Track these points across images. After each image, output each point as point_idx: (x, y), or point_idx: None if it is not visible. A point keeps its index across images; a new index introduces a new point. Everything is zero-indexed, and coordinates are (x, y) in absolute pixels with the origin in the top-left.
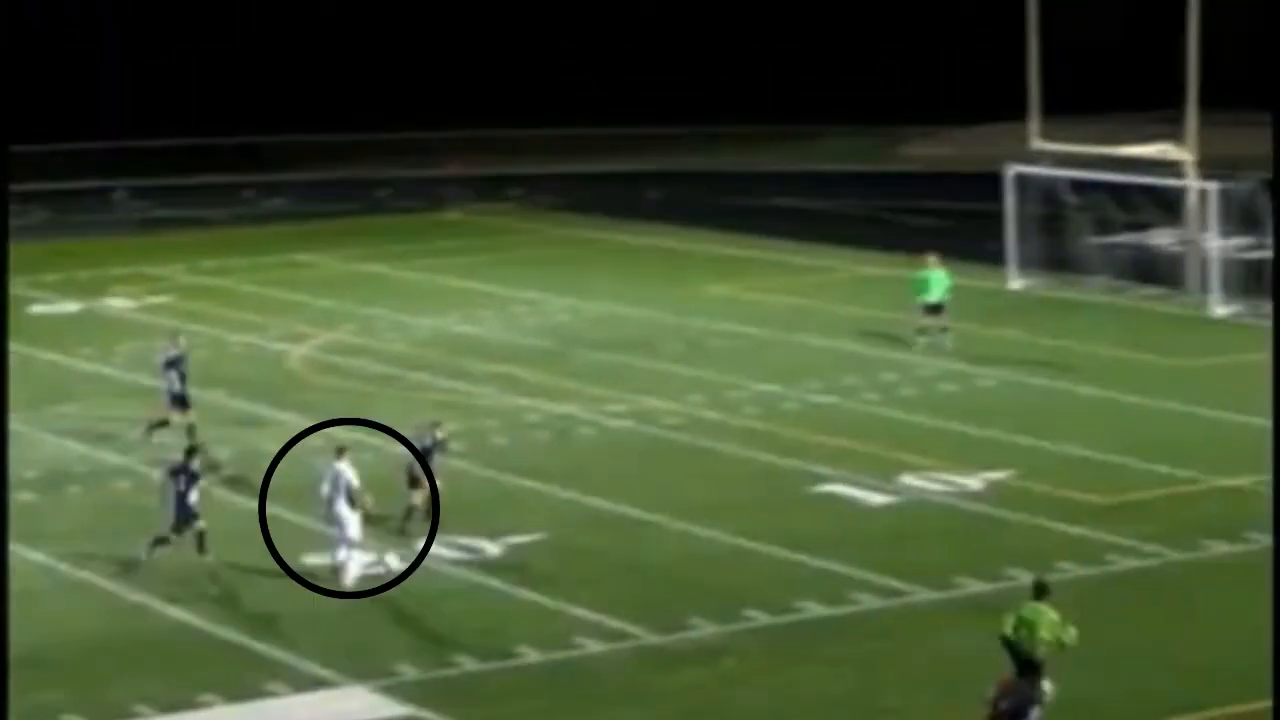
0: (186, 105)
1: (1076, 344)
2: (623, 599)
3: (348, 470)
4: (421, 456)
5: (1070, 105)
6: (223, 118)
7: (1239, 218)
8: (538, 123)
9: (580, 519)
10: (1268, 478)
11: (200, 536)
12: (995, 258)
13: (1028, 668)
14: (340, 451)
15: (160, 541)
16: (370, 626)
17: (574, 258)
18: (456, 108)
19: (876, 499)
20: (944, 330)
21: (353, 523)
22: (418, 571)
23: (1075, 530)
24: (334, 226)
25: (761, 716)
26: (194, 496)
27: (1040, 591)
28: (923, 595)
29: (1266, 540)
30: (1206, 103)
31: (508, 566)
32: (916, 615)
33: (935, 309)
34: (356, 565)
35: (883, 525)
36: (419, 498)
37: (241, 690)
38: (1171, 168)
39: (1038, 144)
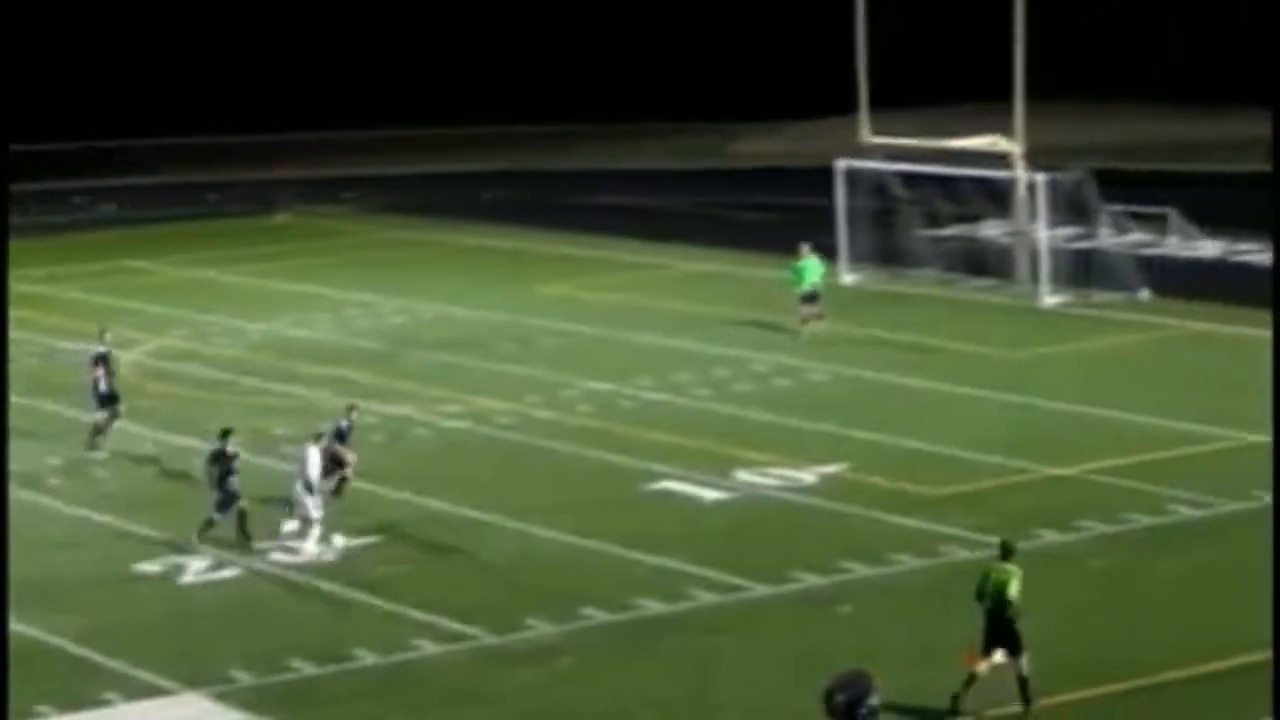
0: (14, 111)
1: (908, 337)
2: (460, 600)
3: (314, 455)
4: (342, 437)
5: (900, 99)
6: (50, 123)
7: (1067, 208)
8: (369, 124)
9: (416, 520)
10: (1100, 464)
11: (241, 516)
12: (827, 252)
13: (1001, 626)
14: (317, 437)
15: (208, 524)
16: (204, 633)
17: (407, 259)
18: (288, 110)
19: (711, 495)
20: (819, 318)
21: (311, 504)
22: (252, 576)
23: (909, 522)
24: (165, 231)
25: (600, 715)
26: (234, 478)
27: (1007, 552)
28: (759, 590)
29: (1099, 528)
30: (1034, 94)
31: (343, 569)
32: (753, 610)
33: (811, 297)
34: (312, 543)
35: (718, 521)
36: (349, 472)
37: (76, 700)
38: (1000, 159)
39: (867, 138)
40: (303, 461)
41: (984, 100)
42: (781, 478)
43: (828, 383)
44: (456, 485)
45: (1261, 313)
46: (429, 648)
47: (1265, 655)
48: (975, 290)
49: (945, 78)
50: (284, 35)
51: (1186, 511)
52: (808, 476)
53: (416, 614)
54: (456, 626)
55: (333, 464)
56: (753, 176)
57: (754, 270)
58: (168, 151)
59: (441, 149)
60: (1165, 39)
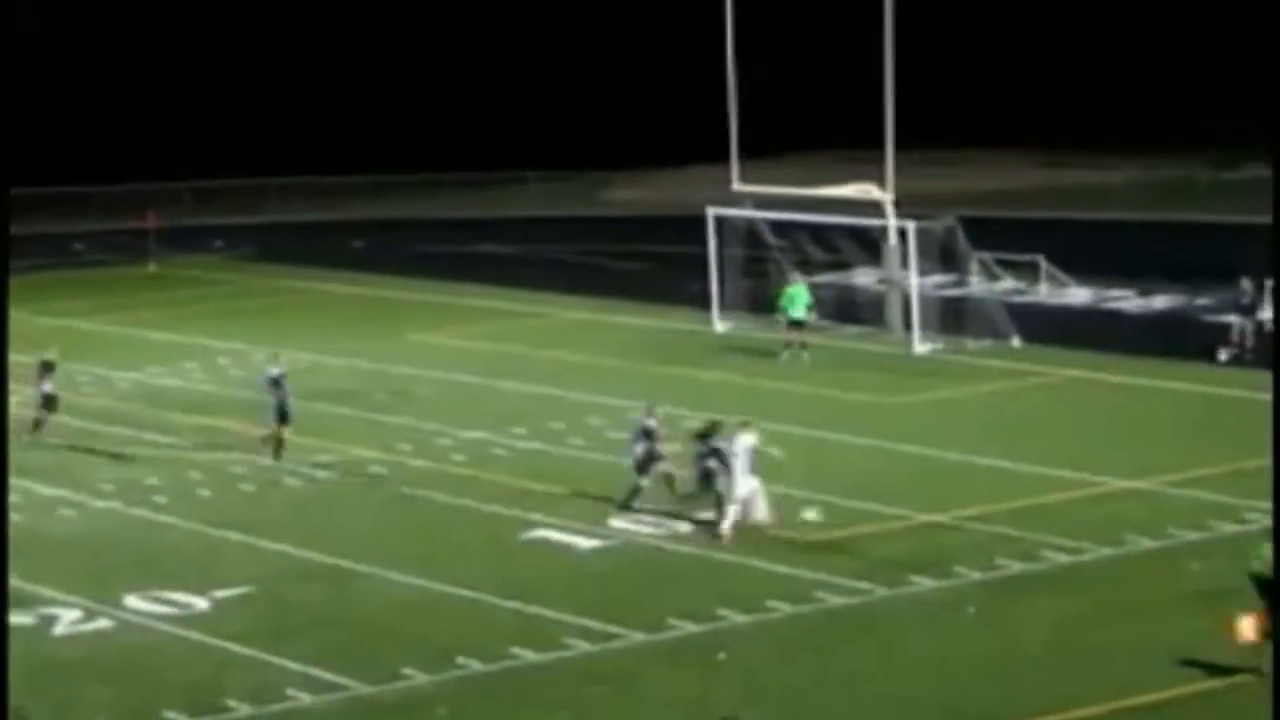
0: None
1: (781, 384)
2: (334, 650)
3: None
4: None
5: (772, 146)
6: None
7: (937, 256)
8: (239, 173)
9: (290, 571)
10: (973, 510)
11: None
12: (700, 300)
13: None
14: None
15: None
16: (77, 683)
17: (279, 307)
18: (155, 160)
19: (587, 544)
20: (804, 347)
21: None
22: (123, 627)
23: (785, 569)
24: (31, 281)
25: None
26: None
27: None
28: (635, 638)
29: (973, 575)
30: (903, 142)
31: (217, 620)
32: (630, 659)
33: (798, 324)
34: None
35: (594, 569)
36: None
37: None
38: (871, 207)
39: (739, 186)
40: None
41: (855, 148)
42: (657, 525)
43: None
44: (330, 535)
45: (1131, 360)
46: (303, 698)
47: (1138, 701)
48: (847, 338)
49: (816, 126)
50: (151, 85)
51: (1059, 558)
52: (683, 524)
53: (291, 664)
54: (331, 677)
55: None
56: (626, 224)
57: (627, 318)
58: (34, 201)
59: (313, 197)
60: (1032, 87)
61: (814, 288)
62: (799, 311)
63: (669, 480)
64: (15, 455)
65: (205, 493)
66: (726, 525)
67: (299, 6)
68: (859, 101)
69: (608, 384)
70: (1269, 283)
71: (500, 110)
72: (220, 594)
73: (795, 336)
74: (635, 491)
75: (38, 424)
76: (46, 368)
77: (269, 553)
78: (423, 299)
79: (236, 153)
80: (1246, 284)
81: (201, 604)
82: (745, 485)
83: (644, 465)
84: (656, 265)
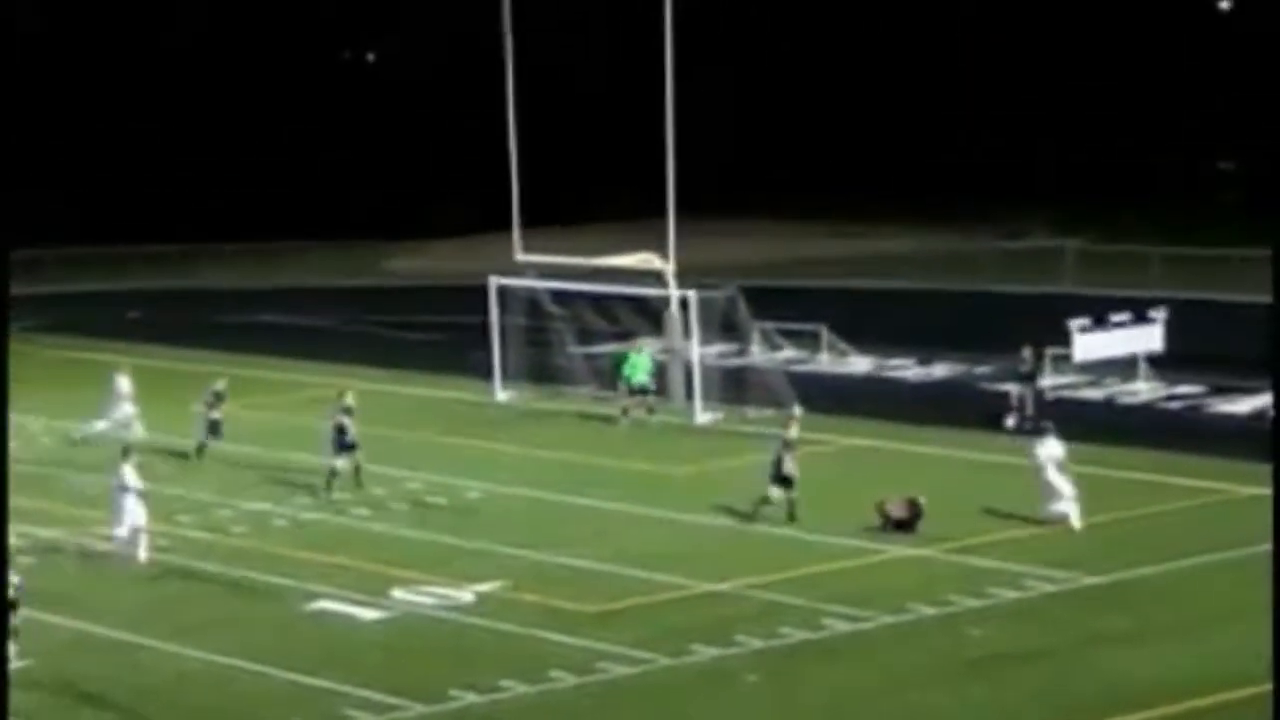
0: None
1: (563, 454)
2: None
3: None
4: None
5: (553, 216)
6: None
7: (719, 325)
8: (19, 244)
9: (68, 644)
10: (755, 579)
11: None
12: (482, 370)
13: None
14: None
15: None
16: None
17: (54, 378)
18: None
19: (369, 614)
20: (651, 411)
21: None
22: None
23: (567, 639)
24: None
25: None
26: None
27: None
28: (417, 710)
29: (754, 643)
30: (684, 212)
31: None
32: None
33: (642, 391)
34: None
35: (376, 640)
36: None
37: None
38: (653, 277)
39: (521, 256)
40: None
41: (636, 218)
42: (439, 596)
43: (483, 500)
44: (109, 608)
45: (911, 428)
46: None
47: None
48: (617, 406)
49: (598, 195)
50: None
51: (841, 626)
52: (465, 595)
53: None
54: None
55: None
56: (407, 294)
57: (409, 388)
58: None
59: (88, 267)
60: (815, 158)
61: (594, 357)
62: (641, 378)
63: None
64: None
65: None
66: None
67: (72, 71)
68: (641, 171)
69: (388, 453)
70: (1049, 351)
71: (280, 179)
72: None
73: (636, 402)
74: (332, 474)
75: (200, 449)
76: (217, 397)
77: (47, 626)
78: (202, 369)
79: (16, 222)
80: (1027, 353)
81: None
82: None
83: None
84: (438, 335)
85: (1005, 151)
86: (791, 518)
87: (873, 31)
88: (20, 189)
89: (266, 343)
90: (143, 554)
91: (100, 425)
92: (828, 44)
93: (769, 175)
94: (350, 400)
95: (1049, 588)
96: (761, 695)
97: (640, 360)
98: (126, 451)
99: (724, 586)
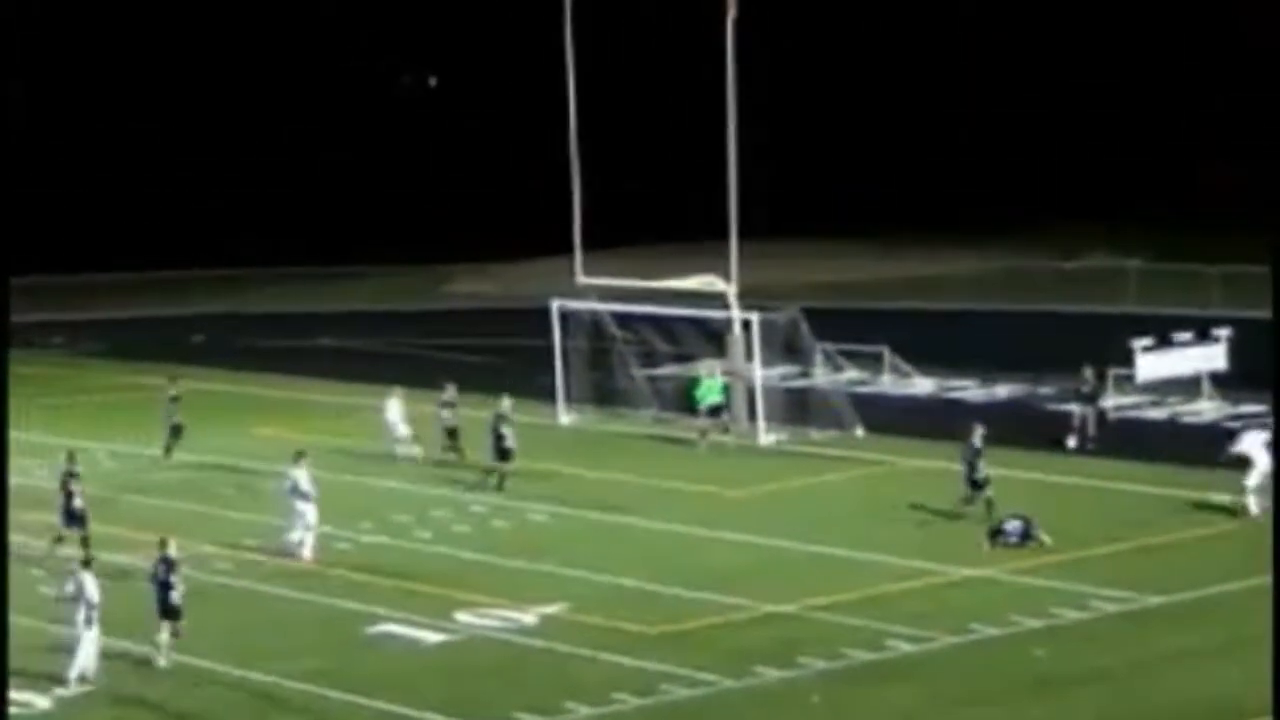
0: None
1: (627, 476)
2: None
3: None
4: None
5: (616, 238)
6: None
7: (781, 347)
8: (78, 269)
9: (136, 668)
10: (819, 600)
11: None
12: (545, 393)
13: None
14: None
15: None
16: None
17: (119, 403)
18: None
19: (433, 637)
20: (726, 431)
21: None
22: None
23: (630, 661)
24: None
25: None
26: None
27: None
28: None
29: (818, 665)
30: (747, 233)
31: (62, 718)
32: None
33: (716, 411)
34: None
35: (440, 663)
36: None
37: None
38: (715, 299)
39: (582, 279)
40: None
41: (699, 240)
42: (502, 619)
43: (546, 523)
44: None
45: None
46: None
47: None
48: (692, 429)
49: (660, 217)
50: None
51: (904, 646)
52: (528, 617)
53: None
54: None
55: None
56: (468, 318)
57: (472, 411)
58: None
59: (151, 292)
60: (876, 179)
61: (657, 379)
62: (715, 399)
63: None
64: None
65: (49, 590)
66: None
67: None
68: (703, 193)
69: (452, 477)
70: (1111, 371)
71: (342, 203)
72: (66, 694)
73: (713, 424)
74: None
75: (456, 447)
76: (447, 405)
77: (115, 651)
78: (264, 393)
79: (77, 250)
80: (1088, 373)
81: (43, 703)
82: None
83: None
84: (502, 358)
85: (1062, 170)
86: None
87: (929, 51)
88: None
89: (325, 367)
90: (307, 553)
91: (402, 449)
92: (887, 64)
93: (829, 197)
94: (507, 407)
95: (1111, 608)
96: (824, 717)
97: (712, 383)
98: (299, 456)
99: (787, 608)
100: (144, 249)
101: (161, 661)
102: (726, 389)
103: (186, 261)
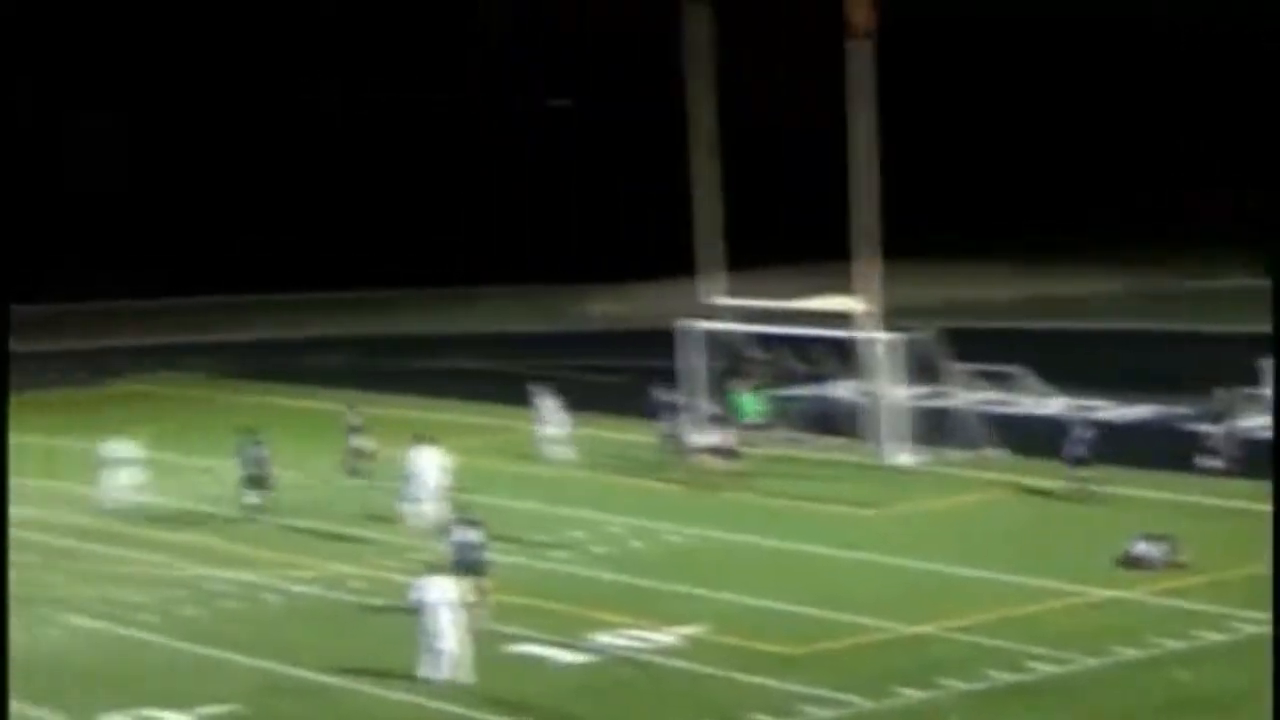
0: None
1: (755, 496)
2: None
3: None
4: None
5: (750, 259)
6: None
7: (917, 367)
8: (215, 290)
9: (271, 687)
10: (958, 622)
11: None
12: (673, 412)
13: None
14: None
15: None
16: None
17: (253, 424)
18: (122, 279)
19: (570, 657)
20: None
21: None
22: None
23: (768, 682)
24: (11, 400)
25: None
26: None
27: None
28: None
29: (959, 686)
30: (883, 253)
31: None
32: None
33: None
34: None
35: (577, 683)
36: None
37: None
38: (849, 319)
39: (715, 299)
40: None
41: (833, 260)
42: (640, 639)
43: (683, 543)
44: (311, 651)
45: (1113, 470)
46: None
47: None
48: (827, 449)
49: (795, 237)
50: (109, 207)
51: (1045, 668)
52: (666, 637)
53: None
54: None
55: None
56: (600, 338)
57: (603, 432)
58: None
59: (283, 314)
60: (1010, 199)
61: (790, 399)
62: (754, 411)
63: None
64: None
65: (189, 610)
66: None
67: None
68: (837, 213)
69: (587, 497)
70: (1246, 391)
71: (474, 224)
72: (205, 710)
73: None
74: None
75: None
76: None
77: (251, 670)
78: (397, 414)
79: (214, 271)
80: (1222, 393)
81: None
82: None
83: None
84: (632, 379)
85: (1196, 190)
86: None
87: (1061, 71)
88: (216, 239)
89: (459, 388)
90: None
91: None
92: (1023, 81)
93: (964, 216)
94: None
95: (1252, 629)
96: None
97: (752, 398)
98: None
99: (926, 628)
100: (284, 273)
101: None
102: (770, 403)
103: (327, 284)
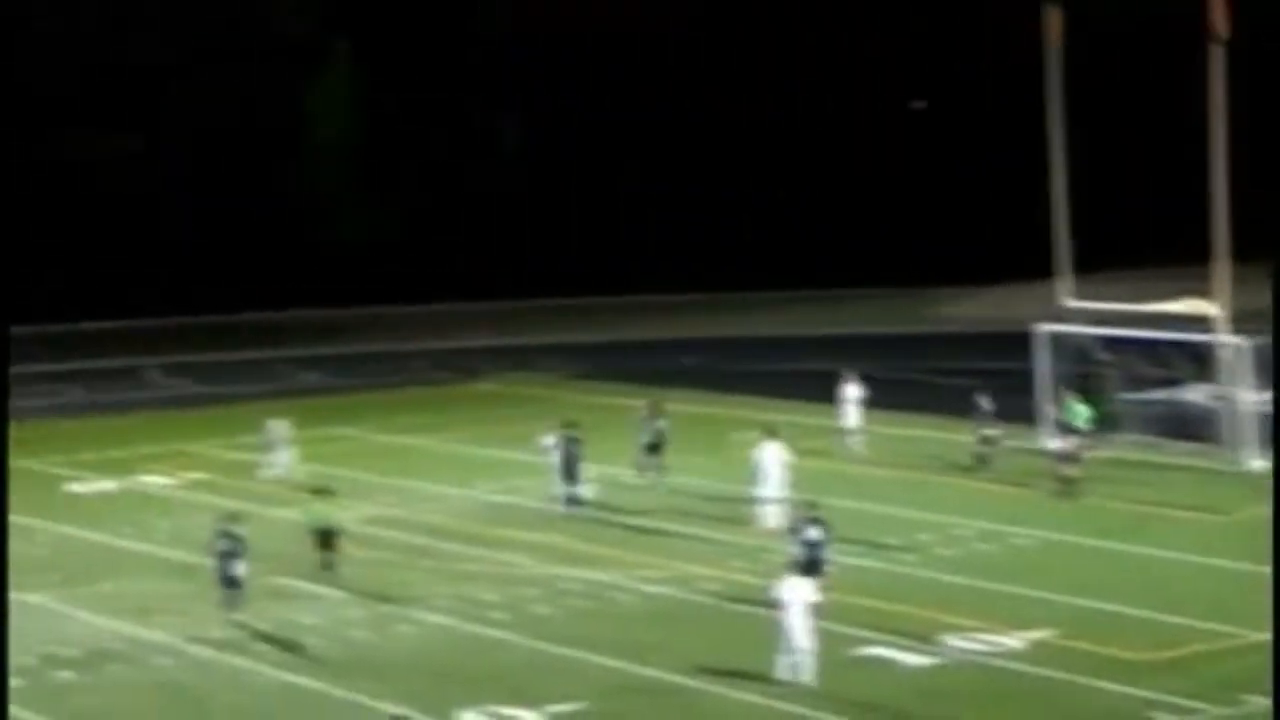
0: (213, 283)
1: (1112, 501)
2: None
3: None
4: None
5: (1102, 262)
6: (248, 295)
7: (1261, 370)
8: (567, 293)
9: (623, 688)
10: None
11: None
12: (1028, 417)
13: None
14: None
15: None
16: None
17: (608, 424)
18: (482, 281)
19: (918, 661)
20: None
21: None
22: None
23: (1117, 688)
24: (369, 399)
25: None
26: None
27: None
28: None
29: None
30: (1236, 255)
31: None
32: None
33: (1077, 432)
34: None
35: (925, 686)
36: None
37: None
38: (1203, 322)
39: (1068, 301)
40: None
41: (1186, 263)
42: (988, 643)
43: (1032, 547)
44: (660, 651)
45: None
46: None
47: None
48: (1179, 454)
49: (1147, 240)
50: (476, 211)
51: None
52: (1015, 642)
53: None
54: None
55: None
56: (952, 341)
57: (954, 435)
58: (375, 321)
59: (636, 317)
60: None
61: (1143, 403)
62: (1082, 419)
63: None
64: (349, 571)
65: (541, 609)
66: None
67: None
68: (1190, 216)
69: (936, 500)
70: None
71: (829, 227)
72: (554, 709)
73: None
74: None
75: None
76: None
77: (603, 669)
78: (746, 415)
79: (562, 275)
80: None
81: None
82: None
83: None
84: (984, 381)
85: None
86: None
87: None
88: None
89: (808, 389)
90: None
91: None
92: None
93: None
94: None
95: None
96: None
97: (1080, 408)
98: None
99: None
100: (631, 276)
101: None
102: (1090, 419)
103: (668, 287)
